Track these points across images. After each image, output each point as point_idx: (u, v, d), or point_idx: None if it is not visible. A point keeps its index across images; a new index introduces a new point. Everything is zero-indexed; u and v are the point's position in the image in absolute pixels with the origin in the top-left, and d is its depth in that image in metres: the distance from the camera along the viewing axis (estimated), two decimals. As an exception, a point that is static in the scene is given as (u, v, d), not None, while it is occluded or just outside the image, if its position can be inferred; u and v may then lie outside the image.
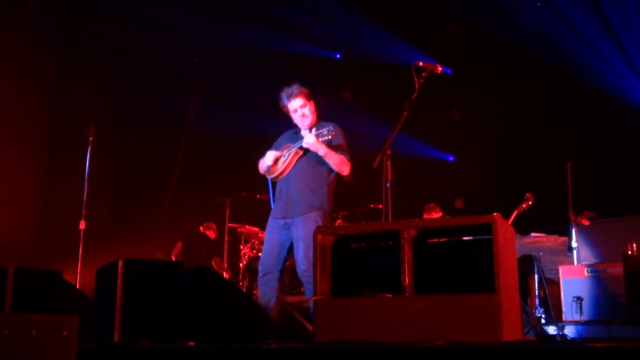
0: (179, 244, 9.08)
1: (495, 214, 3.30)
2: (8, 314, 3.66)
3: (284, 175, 4.92)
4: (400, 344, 3.10)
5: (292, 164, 4.88)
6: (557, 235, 6.22)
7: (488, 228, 3.25)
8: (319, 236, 3.67)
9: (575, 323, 5.60)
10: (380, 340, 3.23)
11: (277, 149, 5.07)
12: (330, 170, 4.87)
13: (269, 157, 4.98)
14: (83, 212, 6.48)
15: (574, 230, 6.20)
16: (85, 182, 6.51)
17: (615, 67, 8.11)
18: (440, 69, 4.46)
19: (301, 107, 4.94)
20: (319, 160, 4.80)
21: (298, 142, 4.82)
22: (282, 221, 4.85)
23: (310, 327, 5.83)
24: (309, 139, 4.68)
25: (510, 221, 6.41)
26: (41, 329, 2.53)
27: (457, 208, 9.12)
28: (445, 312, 3.20)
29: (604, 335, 5.42)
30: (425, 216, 7.82)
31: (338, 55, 10.30)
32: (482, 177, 8.84)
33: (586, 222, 6.42)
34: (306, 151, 4.82)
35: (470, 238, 3.63)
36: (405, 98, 4.34)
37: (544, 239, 6.19)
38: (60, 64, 10.03)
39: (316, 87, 9.30)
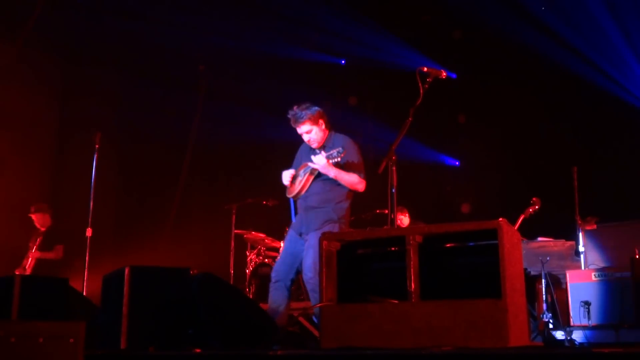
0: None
1: (500, 219, 3.29)
2: (15, 322, 3.67)
3: (301, 194, 5.02)
4: (407, 350, 3.10)
5: (308, 184, 4.98)
6: (564, 240, 6.20)
7: (494, 233, 3.25)
8: (325, 242, 3.67)
9: (583, 328, 5.57)
10: (387, 347, 3.22)
11: (296, 164, 5.20)
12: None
13: (285, 177, 5.11)
14: (89, 220, 6.50)
15: (581, 235, 6.17)
16: (92, 189, 6.53)
17: (623, 71, 8.08)
18: (444, 74, 4.47)
19: (307, 132, 5.01)
20: (334, 180, 4.91)
21: (310, 164, 4.94)
22: (299, 234, 4.98)
23: (316, 334, 5.82)
24: (319, 164, 4.78)
25: (516, 226, 6.39)
26: (48, 337, 2.53)
27: (463, 213, 9.10)
28: (452, 318, 3.19)
29: (612, 340, 5.39)
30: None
31: (343, 61, 10.31)
32: (488, 182, 8.82)
33: (592, 227, 6.40)
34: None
35: (477, 243, 3.61)
36: (410, 103, 4.35)
37: (551, 243, 6.17)
38: (67, 72, 10.07)
39: (321, 92, 9.37)
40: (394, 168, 4.36)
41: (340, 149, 4.72)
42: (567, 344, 5.36)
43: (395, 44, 9.43)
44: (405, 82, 5.15)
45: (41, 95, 9.74)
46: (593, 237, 6.14)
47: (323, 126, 5.03)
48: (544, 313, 5.76)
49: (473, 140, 9.13)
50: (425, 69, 4.43)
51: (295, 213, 5.21)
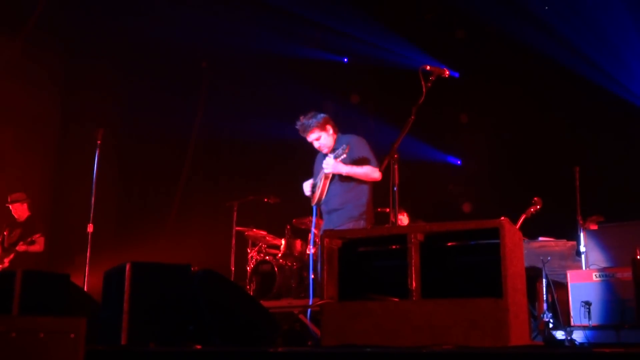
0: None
1: (502, 218, 3.28)
2: (16, 317, 3.67)
3: (322, 199, 5.17)
4: (408, 348, 3.09)
5: (326, 188, 5.13)
6: (565, 240, 6.19)
7: (495, 232, 3.24)
8: (326, 240, 3.67)
9: (583, 328, 5.56)
10: (388, 345, 3.22)
11: (315, 174, 5.35)
12: (363, 180, 5.05)
13: (306, 189, 5.31)
14: (91, 215, 6.51)
15: (582, 235, 6.17)
16: (94, 185, 6.54)
17: (627, 70, 8.07)
18: (447, 72, 4.46)
19: (316, 139, 5.21)
20: (349, 177, 5.04)
21: (323, 169, 5.11)
22: None
23: (317, 331, 5.82)
24: (328, 166, 4.96)
25: (518, 225, 6.38)
26: (49, 332, 2.53)
27: (465, 212, 9.09)
28: (453, 317, 3.18)
29: (612, 340, 5.39)
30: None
31: (345, 59, 10.30)
32: (490, 181, 8.81)
33: (594, 227, 6.39)
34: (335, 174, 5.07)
35: (478, 242, 3.61)
36: (413, 102, 4.34)
37: (552, 243, 6.16)
38: (70, 68, 10.08)
39: (324, 90, 9.36)
40: (395, 166, 4.37)
41: (344, 145, 4.82)
42: (567, 343, 5.36)
43: (398, 43, 9.42)
44: (407, 80, 5.16)
45: (43, 91, 9.75)
46: (594, 237, 6.14)
47: (331, 131, 5.22)
48: (544, 313, 5.76)
49: (475, 139, 9.12)
50: (428, 67, 4.43)
51: (317, 220, 5.36)
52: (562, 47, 8.28)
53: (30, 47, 9.31)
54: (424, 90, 4.34)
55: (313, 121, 5.15)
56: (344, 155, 4.87)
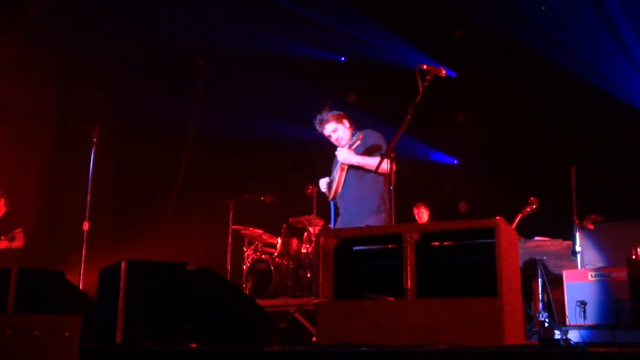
0: None
1: (498, 217, 3.29)
2: (11, 315, 3.67)
3: (338, 193, 5.15)
4: (403, 347, 3.09)
5: (342, 181, 5.11)
6: (561, 239, 6.20)
7: (491, 232, 3.24)
8: (322, 239, 3.66)
9: (579, 327, 5.58)
10: (383, 344, 3.22)
11: (332, 171, 5.33)
12: (378, 172, 5.02)
13: (322, 185, 5.30)
14: (87, 213, 6.51)
15: (577, 234, 6.18)
16: (89, 183, 6.54)
17: (622, 71, 8.09)
18: (444, 72, 4.46)
19: (333, 131, 5.19)
20: (364, 168, 5.01)
21: (337, 161, 5.13)
22: None
23: (312, 330, 5.83)
24: (340, 155, 4.99)
25: (514, 225, 6.39)
26: (43, 330, 2.53)
27: (461, 211, 9.10)
28: (448, 316, 3.19)
29: (607, 339, 5.41)
30: (415, 210, 8.35)
31: (343, 58, 10.30)
32: (486, 181, 8.82)
33: (591, 227, 6.41)
34: (350, 165, 5.07)
35: (473, 241, 3.61)
36: (410, 101, 4.34)
37: (548, 242, 6.18)
38: (66, 65, 10.06)
39: (321, 89, 9.35)
40: (392, 165, 4.37)
41: (358, 133, 4.92)
42: (562, 343, 5.37)
43: (395, 42, 9.42)
44: (404, 79, 5.17)
45: (40, 88, 9.73)
46: (590, 237, 6.16)
47: (347, 124, 5.22)
48: (540, 312, 5.78)
49: (471, 139, 9.13)
50: (425, 66, 4.42)
51: (335, 217, 5.30)
52: (558, 47, 8.30)
53: (26, 44, 9.29)
54: (420, 89, 4.33)
55: (328, 113, 5.21)
56: (358, 142, 4.91)
